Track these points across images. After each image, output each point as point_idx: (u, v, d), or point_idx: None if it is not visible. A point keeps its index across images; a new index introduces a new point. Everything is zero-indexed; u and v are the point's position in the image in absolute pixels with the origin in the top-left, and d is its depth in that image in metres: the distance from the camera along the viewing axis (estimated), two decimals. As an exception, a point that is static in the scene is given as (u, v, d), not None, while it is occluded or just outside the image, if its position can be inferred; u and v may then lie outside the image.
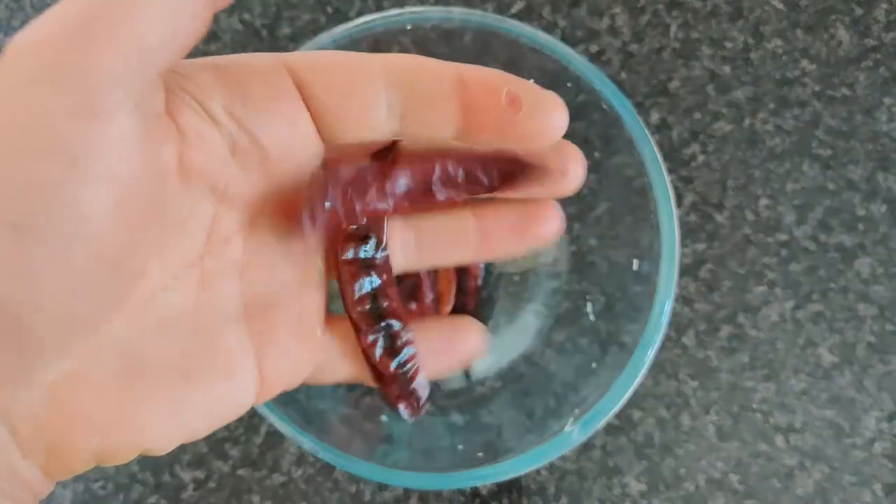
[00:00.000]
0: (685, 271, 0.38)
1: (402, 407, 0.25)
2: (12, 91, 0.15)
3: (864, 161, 0.39)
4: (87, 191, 0.15)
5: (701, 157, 0.39)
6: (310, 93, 0.20)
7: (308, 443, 0.28)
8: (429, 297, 0.35)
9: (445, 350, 0.25)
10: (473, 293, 0.36)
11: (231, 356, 0.20)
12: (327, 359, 0.24)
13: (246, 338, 0.20)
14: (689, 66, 0.39)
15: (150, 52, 0.16)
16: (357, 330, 0.24)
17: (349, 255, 0.23)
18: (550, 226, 0.24)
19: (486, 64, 0.34)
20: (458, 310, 0.36)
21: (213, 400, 0.19)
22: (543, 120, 0.20)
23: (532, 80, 0.33)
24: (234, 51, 0.39)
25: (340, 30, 0.30)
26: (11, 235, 0.15)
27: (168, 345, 0.18)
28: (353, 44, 0.31)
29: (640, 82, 0.39)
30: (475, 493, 0.36)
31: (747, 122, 0.39)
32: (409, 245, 0.24)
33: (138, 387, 0.18)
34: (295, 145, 0.20)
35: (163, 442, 0.19)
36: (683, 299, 0.38)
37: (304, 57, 0.20)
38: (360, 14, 0.40)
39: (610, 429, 0.37)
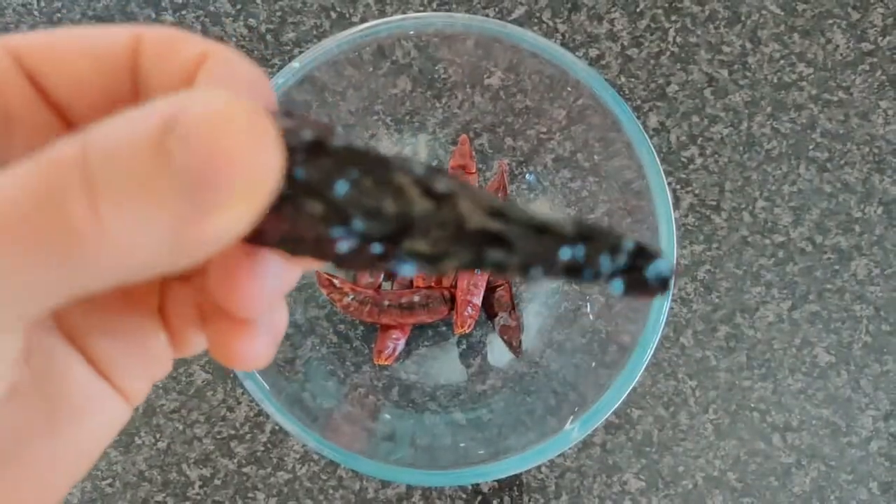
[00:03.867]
0: (683, 272, 0.38)
1: None
2: None
3: (860, 164, 0.39)
4: None
5: (699, 160, 0.39)
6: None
7: (312, 441, 0.29)
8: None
9: None
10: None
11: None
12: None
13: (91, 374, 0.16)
14: (687, 71, 0.40)
15: None
16: None
17: None
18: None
19: (487, 69, 0.34)
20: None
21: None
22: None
23: (532, 85, 0.34)
24: (240, 55, 0.40)
25: (345, 35, 0.31)
26: None
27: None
28: (356, 49, 0.32)
29: (638, 86, 0.40)
30: (476, 490, 0.37)
31: (745, 125, 0.39)
32: None
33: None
34: None
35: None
36: (682, 300, 0.38)
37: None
38: (363, 19, 0.40)
39: (609, 427, 0.37)
